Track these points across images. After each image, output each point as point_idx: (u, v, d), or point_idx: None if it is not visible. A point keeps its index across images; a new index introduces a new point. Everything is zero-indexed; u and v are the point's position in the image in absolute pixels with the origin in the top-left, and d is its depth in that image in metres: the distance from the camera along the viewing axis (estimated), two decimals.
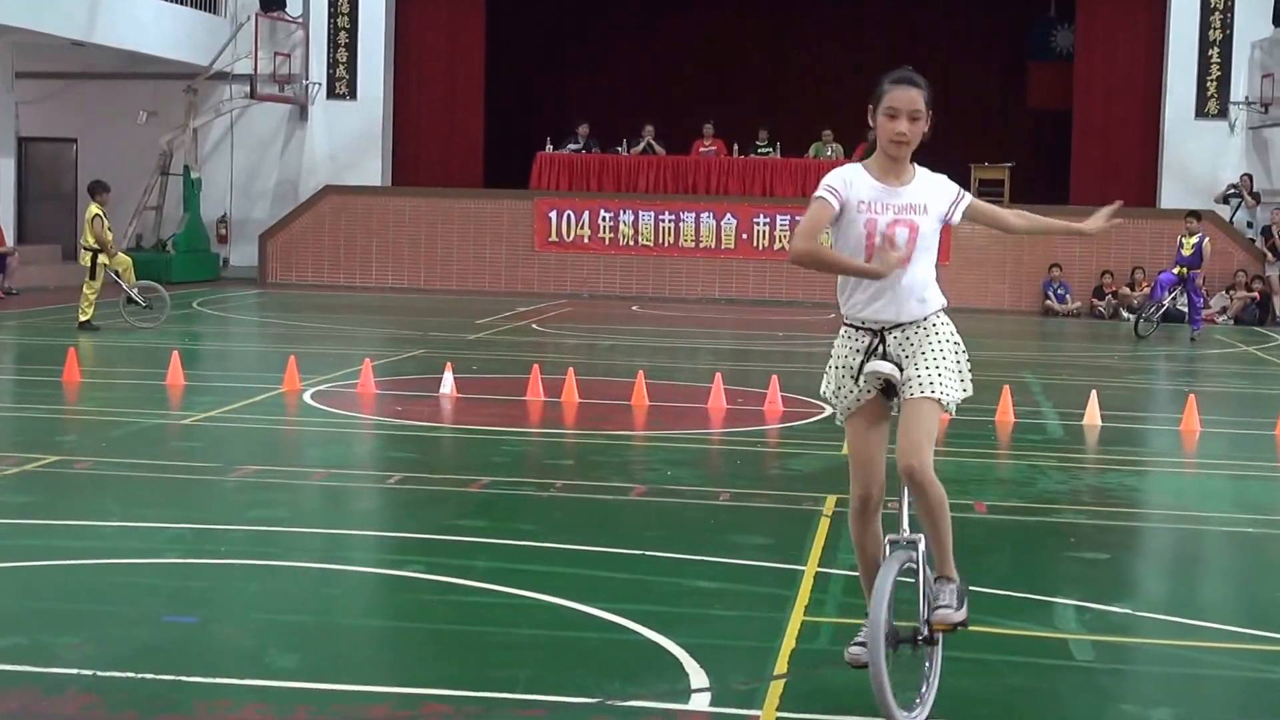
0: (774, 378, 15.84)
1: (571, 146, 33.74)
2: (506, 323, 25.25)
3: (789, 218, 31.76)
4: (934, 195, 6.47)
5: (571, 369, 16.21)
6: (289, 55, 34.07)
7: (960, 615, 6.51)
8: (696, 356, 20.90)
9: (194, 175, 33.85)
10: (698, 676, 6.89)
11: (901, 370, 6.51)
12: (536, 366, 16.34)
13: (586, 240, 32.68)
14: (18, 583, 8.30)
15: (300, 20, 34.26)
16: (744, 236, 32.19)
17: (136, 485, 11.10)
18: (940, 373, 6.49)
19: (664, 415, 15.08)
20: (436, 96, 35.05)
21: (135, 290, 22.62)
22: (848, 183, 6.36)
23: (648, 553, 9.25)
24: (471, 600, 8.14)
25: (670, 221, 32.45)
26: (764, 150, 33.44)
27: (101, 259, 22.03)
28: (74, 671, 6.70)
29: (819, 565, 9.01)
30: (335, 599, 8.26)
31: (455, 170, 34.88)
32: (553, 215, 32.75)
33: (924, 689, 6.50)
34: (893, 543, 6.52)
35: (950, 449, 13.26)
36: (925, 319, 6.53)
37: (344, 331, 23.25)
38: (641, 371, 16.13)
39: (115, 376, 17.37)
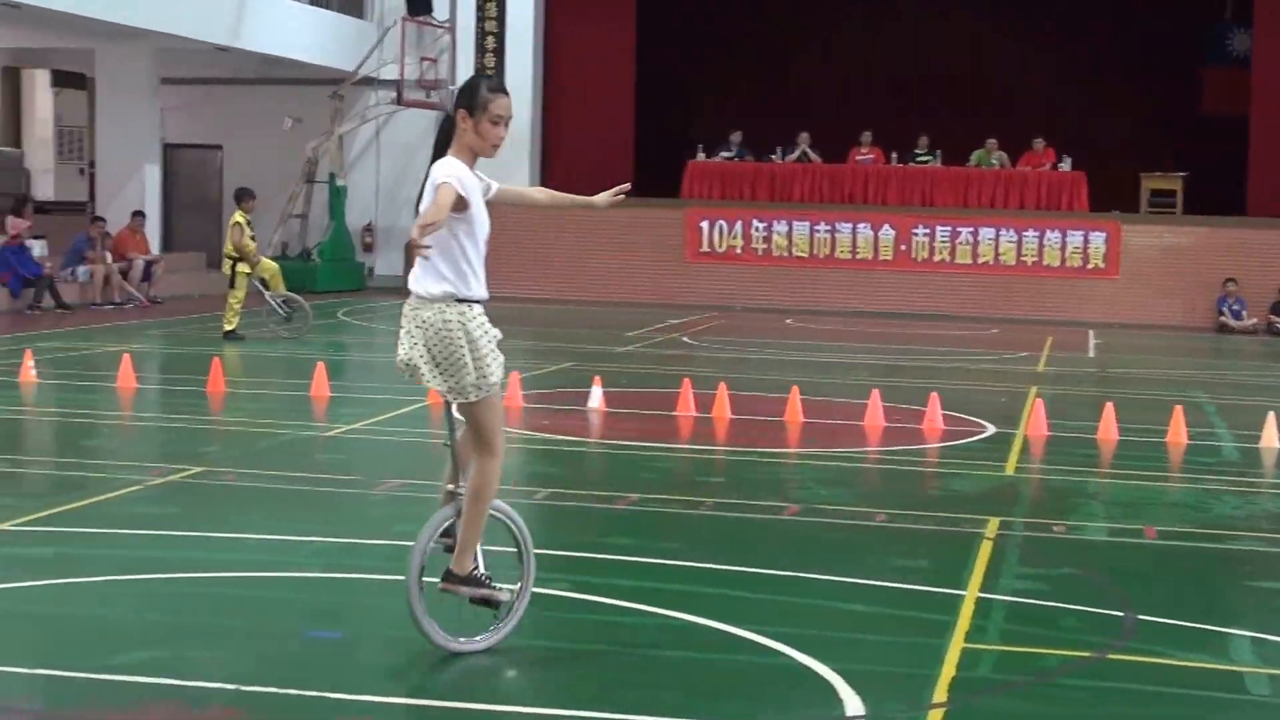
0: (934, 395, 15.46)
1: (724, 154, 33.50)
2: (656, 335, 25.05)
3: (949, 229, 31.30)
4: (487, 188, 7.25)
5: (723, 383, 15.95)
6: (435, 60, 34.16)
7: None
8: (852, 372, 20.55)
9: (339, 183, 33.99)
10: (853, 703, 6.72)
11: None
12: (687, 380, 16.09)
13: (739, 251, 32.40)
14: (162, 594, 8.28)
15: (447, 25, 34.34)
16: (902, 248, 31.72)
17: (281, 497, 11.03)
18: None
19: (818, 432, 14.79)
20: (585, 103, 34.92)
21: (279, 299, 22.64)
22: (464, 176, 6.98)
23: (800, 574, 9.00)
24: (616, 620, 7.98)
25: (825, 232, 32.08)
26: (924, 158, 32.91)
27: (241, 267, 22.07)
28: (217, 685, 6.67)
29: (980, 590, 8.75)
30: (479, 616, 8.08)
31: (604, 178, 34.27)
32: (704, 225, 32.52)
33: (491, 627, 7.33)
34: (451, 494, 7.28)
35: (1120, 471, 12.89)
36: None
37: None
38: (795, 387, 15.84)
39: (260, 387, 17.39)
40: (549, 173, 35.14)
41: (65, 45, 31.03)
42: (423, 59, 33.86)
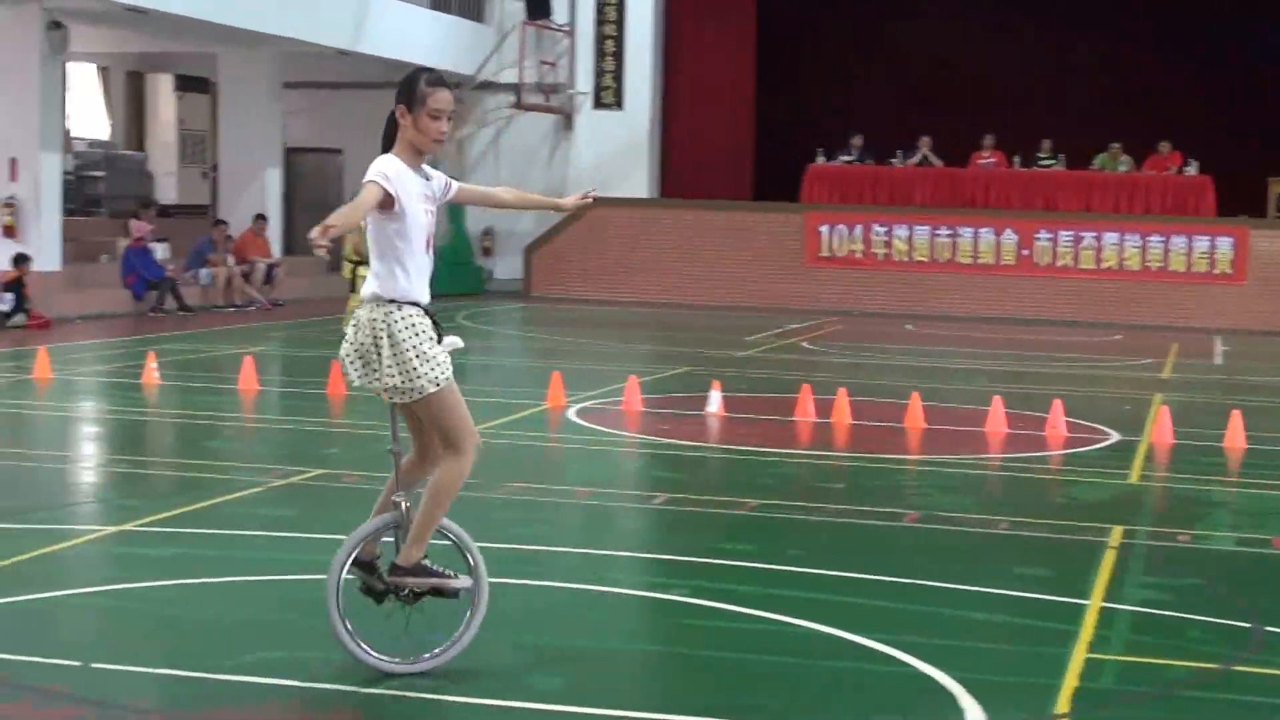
0: (1057, 401, 15.25)
1: (844, 158, 33.30)
2: (775, 340, 24.94)
3: (1072, 234, 30.93)
4: (438, 189, 7.04)
5: (842, 389, 15.82)
6: (554, 64, 34.25)
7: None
8: (973, 378, 20.32)
9: None
10: (974, 712, 6.63)
11: None
12: (806, 386, 15.97)
13: (858, 255, 32.20)
14: (281, 595, 8.33)
15: (566, 28, 34.40)
16: (1024, 253, 31.36)
17: None
18: None
19: (939, 438, 14.64)
20: (705, 106, 34.87)
21: None
22: (400, 175, 6.78)
23: (920, 581, 8.90)
24: (737, 626, 7.91)
25: (946, 236, 31.80)
26: (1047, 162, 32.51)
27: (361, 270, 22.16)
28: (334, 687, 6.70)
29: (1104, 600, 8.60)
30: (598, 621, 8.11)
31: (724, 182, 34.67)
32: (823, 229, 32.35)
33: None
34: (396, 504, 7.03)
35: (1246, 480, 12.66)
36: None
37: (608, 347, 23.18)
38: (915, 392, 15.68)
39: None
40: (668, 176, 35.15)
41: (189, 50, 31.40)
42: (542, 63, 33.95)
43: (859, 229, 32.14)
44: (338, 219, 6.43)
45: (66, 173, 26.64)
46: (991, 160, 32.76)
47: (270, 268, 29.39)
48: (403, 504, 7.01)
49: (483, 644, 7.47)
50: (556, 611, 8.24)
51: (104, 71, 34.33)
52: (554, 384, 16.07)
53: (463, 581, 7.01)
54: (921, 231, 31.88)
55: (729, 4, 35.24)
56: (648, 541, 10.47)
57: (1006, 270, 31.45)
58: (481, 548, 9.36)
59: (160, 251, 27.41)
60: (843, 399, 15.42)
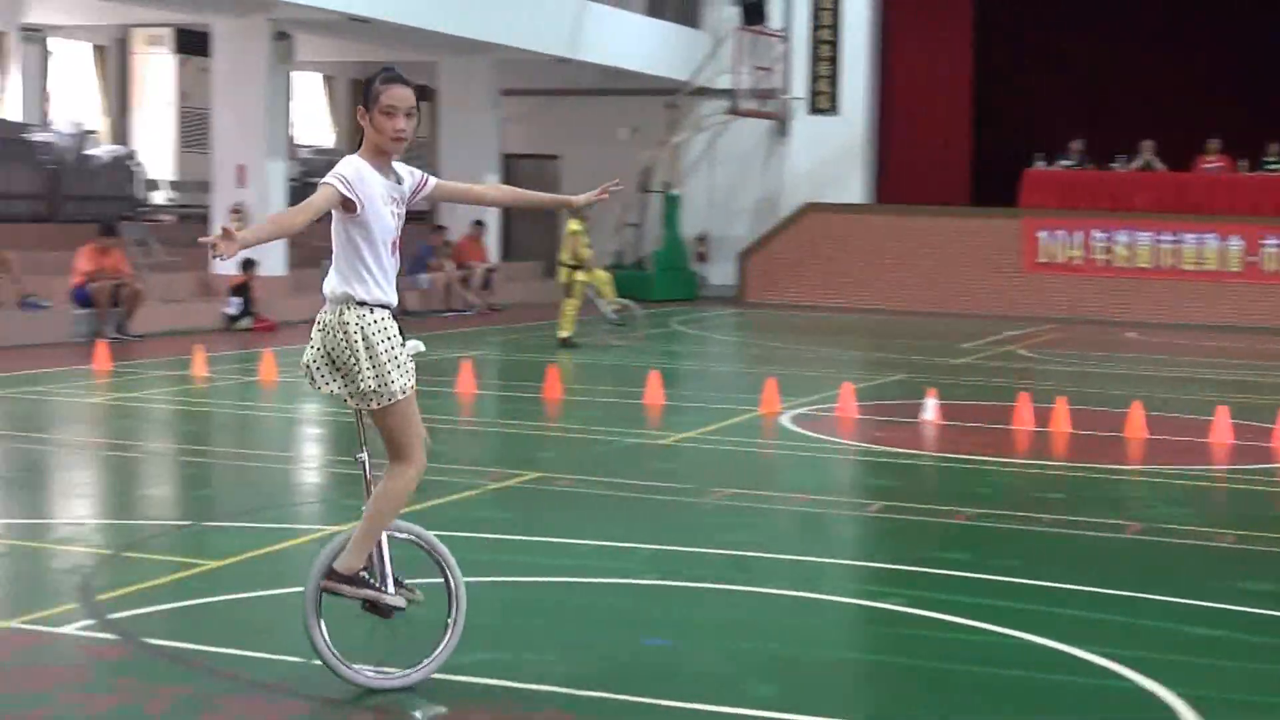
0: None
1: (1064, 162, 32.73)
2: (991, 347, 24.60)
3: None
4: (409, 187, 6.79)
5: (1061, 397, 15.56)
6: (770, 70, 34.17)
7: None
8: (1198, 387, 19.83)
9: (673, 192, 34.24)
10: None
11: None
12: (1024, 394, 15.73)
13: (1078, 261, 31.64)
14: (497, 597, 8.38)
15: (782, 33, 34.32)
16: (1251, 259, 30.56)
17: (613, 505, 11.10)
18: None
19: (1161, 449, 14.33)
20: (922, 111, 34.54)
21: (611, 308, 22.90)
22: (361, 177, 6.53)
23: (1142, 595, 8.71)
24: (952, 637, 7.80)
25: (1170, 243, 31.10)
26: (1274, 166, 31.62)
27: (577, 275, 22.35)
28: (549, 688, 6.72)
29: None
30: (812, 629, 8.07)
31: (940, 187, 34.28)
32: (1042, 235, 31.85)
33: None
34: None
35: None
36: None
37: (822, 353, 23.06)
38: (1137, 401, 15.36)
39: (593, 394, 17.58)
40: (884, 181, 34.90)
41: (410, 58, 31.92)
42: (757, 68, 33.90)
43: (1079, 235, 31.58)
44: (254, 232, 6.19)
45: (291, 179, 27.23)
46: (1217, 165, 31.94)
47: (488, 273, 29.76)
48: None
49: (696, 649, 7.48)
50: (769, 618, 8.20)
51: (328, 80, 35.06)
52: (768, 390, 16.03)
53: (396, 601, 6.76)
54: (1144, 237, 31.21)
55: (945, 4, 34.88)
56: (861, 549, 10.39)
57: (1232, 277, 30.65)
58: (692, 553, 9.41)
59: None
60: (1061, 407, 15.17)
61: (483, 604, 8.24)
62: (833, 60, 34.35)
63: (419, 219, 33.71)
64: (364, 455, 6.96)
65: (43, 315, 21.55)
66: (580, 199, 7.37)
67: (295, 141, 32.72)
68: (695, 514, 10.84)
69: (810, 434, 14.56)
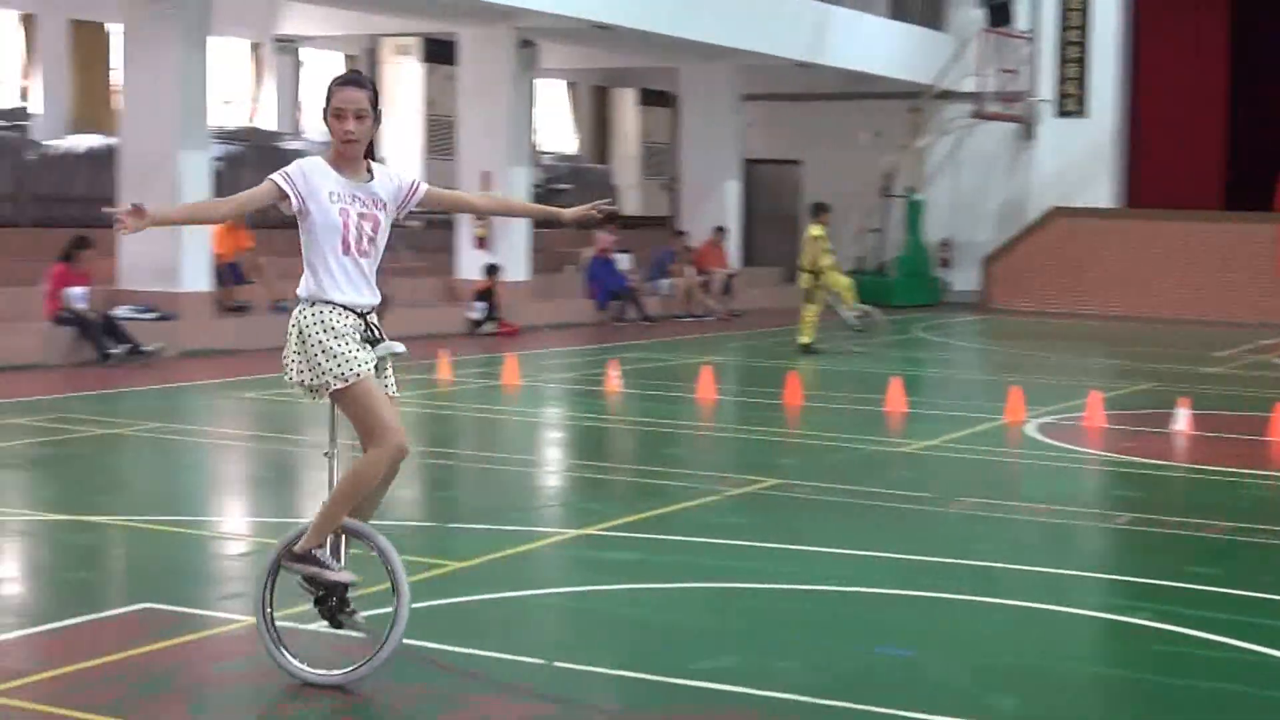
0: None
1: None
2: (1245, 355, 23.91)
3: None
4: (389, 191, 6.86)
5: None
6: (1015, 72, 33.65)
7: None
8: None
9: (917, 197, 33.89)
10: None
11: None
12: None
13: None
14: (738, 603, 8.36)
15: (1028, 35, 33.77)
16: None
17: (853, 512, 11.01)
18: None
19: None
20: (1173, 113, 33.68)
21: (852, 314, 22.76)
22: (306, 175, 6.65)
23: None
24: (1206, 654, 7.56)
25: None
26: None
27: (820, 281, 22.24)
28: (790, 696, 6.68)
29: None
30: (1056, 642, 7.91)
31: (1191, 191, 33.38)
32: None
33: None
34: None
35: None
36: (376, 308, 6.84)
37: (1069, 361, 22.65)
38: None
39: (834, 400, 17.47)
40: (1133, 184, 34.12)
41: (652, 64, 32.11)
42: (1002, 70, 33.44)
43: None
44: (165, 213, 6.67)
45: (534, 185, 27.57)
46: None
47: (728, 278, 29.78)
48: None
49: (937, 659, 7.37)
50: (1012, 630, 8.05)
51: (571, 87, 35.41)
52: (1013, 398, 15.76)
53: (343, 576, 6.70)
54: None
55: (1200, 1, 33.97)
56: (1110, 561, 10.15)
57: None
58: (933, 562, 9.28)
59: (623, 262, 28.10)
60: None
61: (725, 609, 8.25)
62: (1081, 61, 33.68)
63: (661, 225, 33.92)
64: (331, 449, 6.93)
65: None
66: (569, 214, 7.37)
67: (538, 148, 33.11)
68: (937, 523, 10.68)
69: (1056, 443, 14.28)
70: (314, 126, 29.35)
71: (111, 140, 22.67)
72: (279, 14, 27.00)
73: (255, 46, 28.10)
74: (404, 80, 29.44)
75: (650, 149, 35.60)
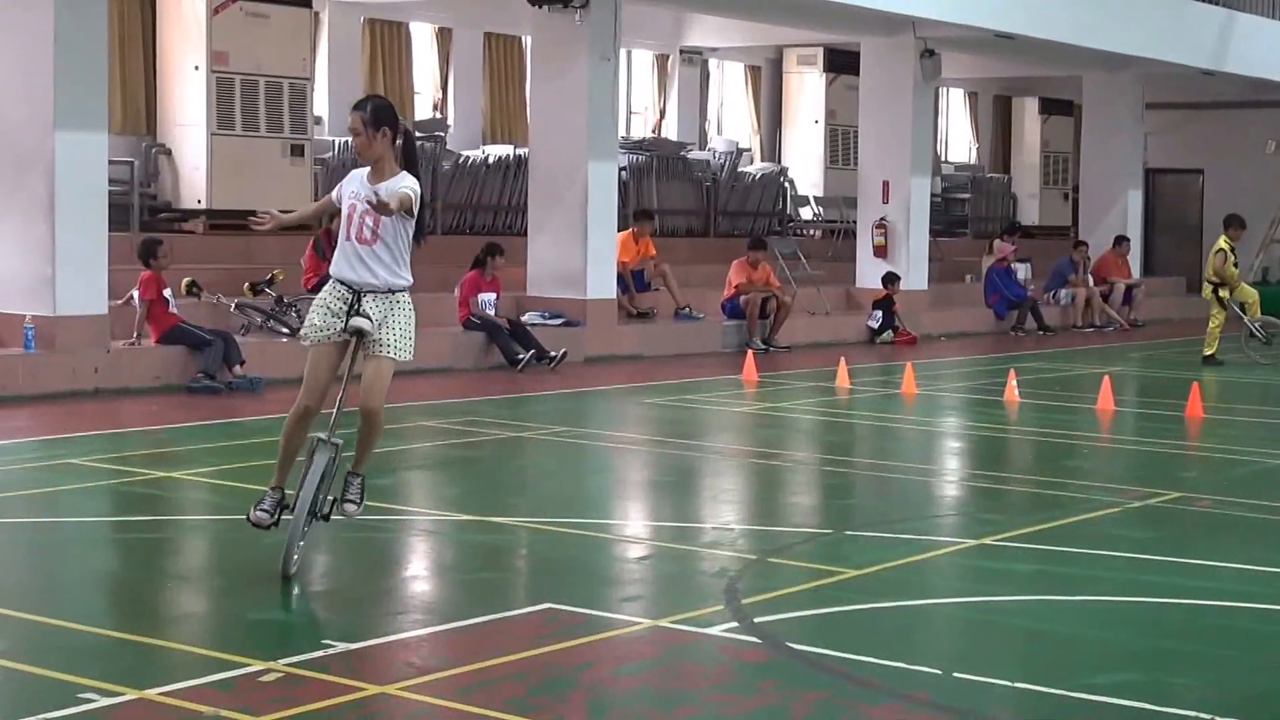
0: None
1: None
2: None
3: None
4: (386, 193, 8.08)
5: None
6: None
7: (360, 510, 8.58)
8: None
9: None
10: None
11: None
12: None
13: None
14: (1138, 618, 8.29)
15: None
16: None
17: (1257, 528, 10.77)
18: (401, 338, 8.29)
19: None
20: None
21: (1257, 325, 22.16)
22: (345, 182, 8.42)
23: None
24: None
25: None
26: None
27: (1221, 293, 21.71)
28: (1193, 714, 6.55)
29: None
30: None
31: None
32: None
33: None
34: (320, 441, 8.23)
35: None
36: (393, 292, 8.27)
37: None
38: None
39: (1237, 413, 17.03)
40: None
41: (1054, 73, 31.68)
42: None
43: None
44: (293, 216, 9.09)
45: (934, 195, 27.50)
46: None
47: (1129, 289, 29.20)
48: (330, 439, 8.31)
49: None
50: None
51: (972, 96, 35.17)
52: None
53: (254, 515, 8.41)
54: None
55: None
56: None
57: None
58: None
59: (1022, 272, 27.81)
60: None
61: (1126, 623, 8.19)
62: None
63: (1061, 235, 33.44)
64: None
65: (696, 326, 22.55)
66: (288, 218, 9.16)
67: (941, 158, 33.01)
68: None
69: None
70: (717, 136, 29.88)
71: (522, 150, 23.53)
72: (686, 26, 27.56)
73: (662, 57, 28.75)
74: (806, 90, 29.73)
75: (1050, 158, 35.13)
